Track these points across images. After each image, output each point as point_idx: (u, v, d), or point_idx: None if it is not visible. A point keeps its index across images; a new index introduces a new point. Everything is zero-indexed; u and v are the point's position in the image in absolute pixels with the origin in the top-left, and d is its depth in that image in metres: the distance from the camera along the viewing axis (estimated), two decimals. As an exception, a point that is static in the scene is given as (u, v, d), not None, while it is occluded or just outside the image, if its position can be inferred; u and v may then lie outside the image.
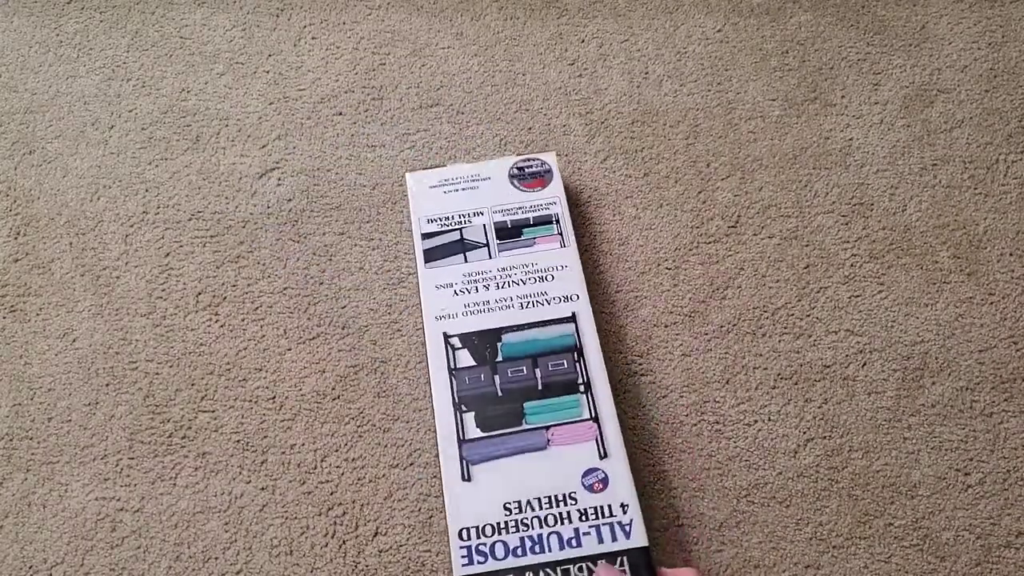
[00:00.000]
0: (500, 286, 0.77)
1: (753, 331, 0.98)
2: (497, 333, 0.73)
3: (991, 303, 1.03)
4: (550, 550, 0.57)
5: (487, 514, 0.64)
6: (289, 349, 0.95)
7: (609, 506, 0.65)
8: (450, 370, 0.73)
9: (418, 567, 0.84)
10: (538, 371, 0.71)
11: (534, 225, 0.82)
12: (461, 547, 0.61)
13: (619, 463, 0.70)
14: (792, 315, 1.01)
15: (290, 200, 1.04)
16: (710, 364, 0.96)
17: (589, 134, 1.11)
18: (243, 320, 0.97)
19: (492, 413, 0.71)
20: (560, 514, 0.61)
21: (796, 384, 0.97)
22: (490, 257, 0.80)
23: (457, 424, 0.71)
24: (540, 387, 0.70)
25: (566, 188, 1.06)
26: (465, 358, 0.74)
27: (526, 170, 0.77)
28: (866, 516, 0.88)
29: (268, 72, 1.13)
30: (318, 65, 1.14)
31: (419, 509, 0.88)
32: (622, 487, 0.69)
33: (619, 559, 0.54)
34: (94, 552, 0.85)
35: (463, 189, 0.87)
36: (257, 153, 1.07)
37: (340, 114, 1.11)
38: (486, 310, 0.76)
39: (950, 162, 1.12)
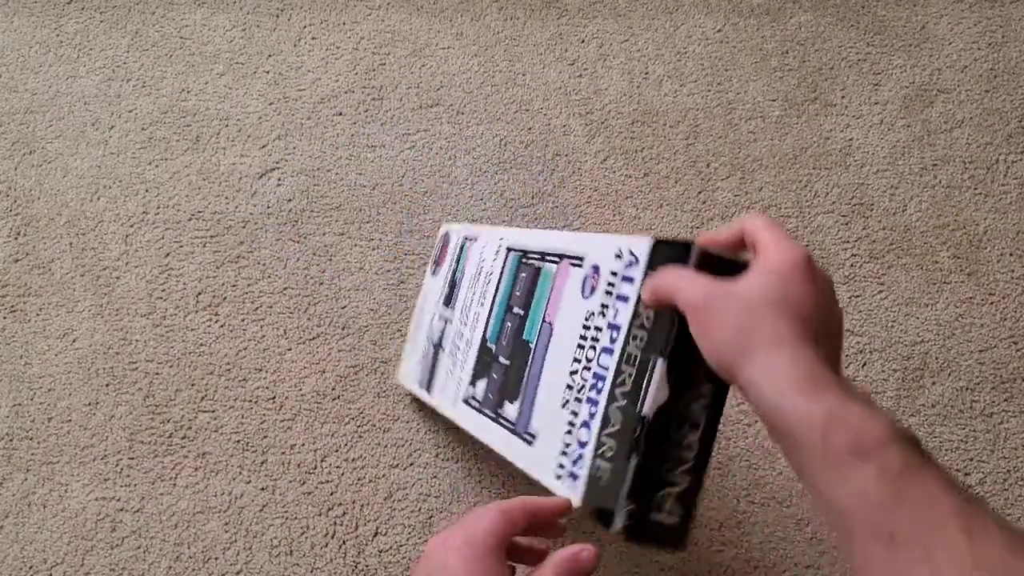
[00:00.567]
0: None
1: (753, 331, 0.98)
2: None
3: (991, 303, 1.02)
4: None
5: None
6: (289, 349, 0.95)
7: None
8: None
9: (418, 567, 0.84)
10: None
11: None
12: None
13: None
14: (792, 315, 1.00)
15: (290, 200, 1.04)
16: (710, 364, 0.96)
17: (589, 134, 1.11)
18: (243, 320, 0.97)
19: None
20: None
21: (796, 384, 0.97)
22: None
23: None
24: None
25: (566, 189, 1.06)
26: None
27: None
28: (866, 516, 0.88)
29: (268, 72, 1.13)
30: (318, 65, 1.14)
31: (419, 509, 0.88)
32: None
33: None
34: (94, 552, 0.85)
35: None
36: (257, 153, 1.07)
37: (340, 114, 1.11)
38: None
39: (950, 162, 1.12)
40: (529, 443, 0.57)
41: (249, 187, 1.05)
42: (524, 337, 0.62)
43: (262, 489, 0.88)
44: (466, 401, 0.72)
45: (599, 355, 0.51)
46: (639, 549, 0.87)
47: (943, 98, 1.16)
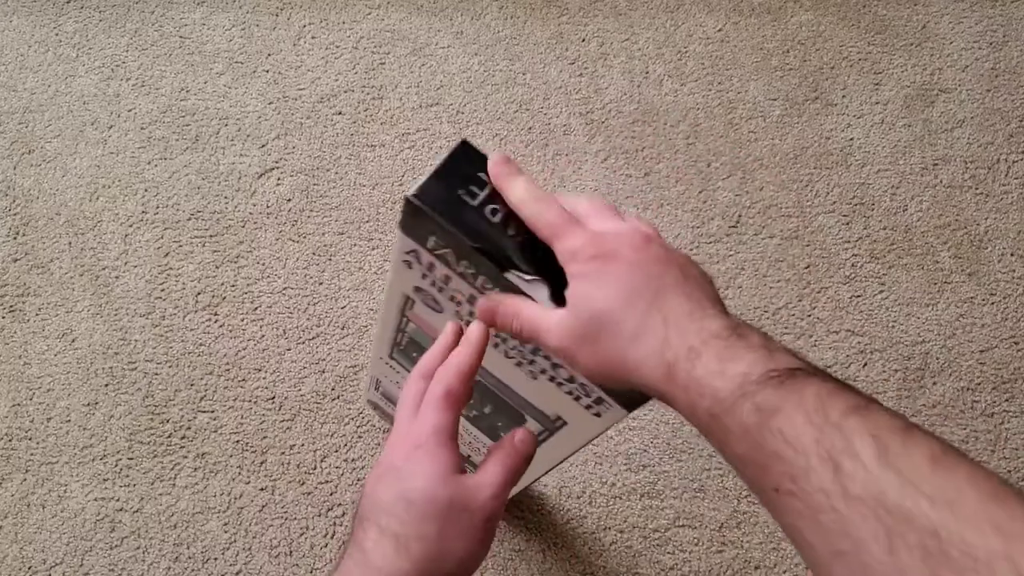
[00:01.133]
0: None
1: (754, 331, 0.98)
2: None
3: (992, 303, 1.02)
4: None
5: None
6: (289, 349, 0.95)
7: None
8: None
9: (418, 568, 0.84)
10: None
11: None
12: None
13: None
14: (793, 315, 1.00)
15: (289, 200, 1.04)
16: (711, 364, 0.96)
17: (590, 134, 1.10)
18: (242, 320, 0.96)
19: None
20: None
21: (797, 384, 0.96)
22: None
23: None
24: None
25: (566, 188, 1.06)
26: None
27: None
28: (867, 517, 0.88)
29: (268, 71, 1.13)
30: (318, 64, 1.14)
31: (419, 510, 0.88)
32: None
33: None
34: (93, 552, 0.85)
35: None
36: (256, 153, 1.07)
37: (340, 113, 1.10)
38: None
39: (951, 162, 1.12)
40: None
41: (248, 186, 1.05)
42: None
43: (261, 489, 0.88)
44: None
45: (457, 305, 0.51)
46: (639, 548, 0.87)
47: (944, 98, 1.16)
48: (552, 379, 0.51)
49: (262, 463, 0.89)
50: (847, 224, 1.06)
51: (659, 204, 1.06)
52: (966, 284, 1.03)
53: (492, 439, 0.67)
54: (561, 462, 0.62)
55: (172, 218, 1.02)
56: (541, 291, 0.44)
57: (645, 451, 0.91)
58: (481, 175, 0.46)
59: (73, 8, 1.17)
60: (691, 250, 1.03)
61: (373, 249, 1.01)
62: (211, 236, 1.01)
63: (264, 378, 0.93)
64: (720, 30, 1.20)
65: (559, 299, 0.43)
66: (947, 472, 0.29)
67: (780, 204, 1.07)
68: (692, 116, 1.12)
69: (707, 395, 0.36)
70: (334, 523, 0.87)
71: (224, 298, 0.97)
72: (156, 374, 0.93)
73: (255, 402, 0.92)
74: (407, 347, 0.68)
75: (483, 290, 0.48)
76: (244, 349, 0.95)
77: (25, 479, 0.88)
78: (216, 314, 0.96)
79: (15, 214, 1.02)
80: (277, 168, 1.06)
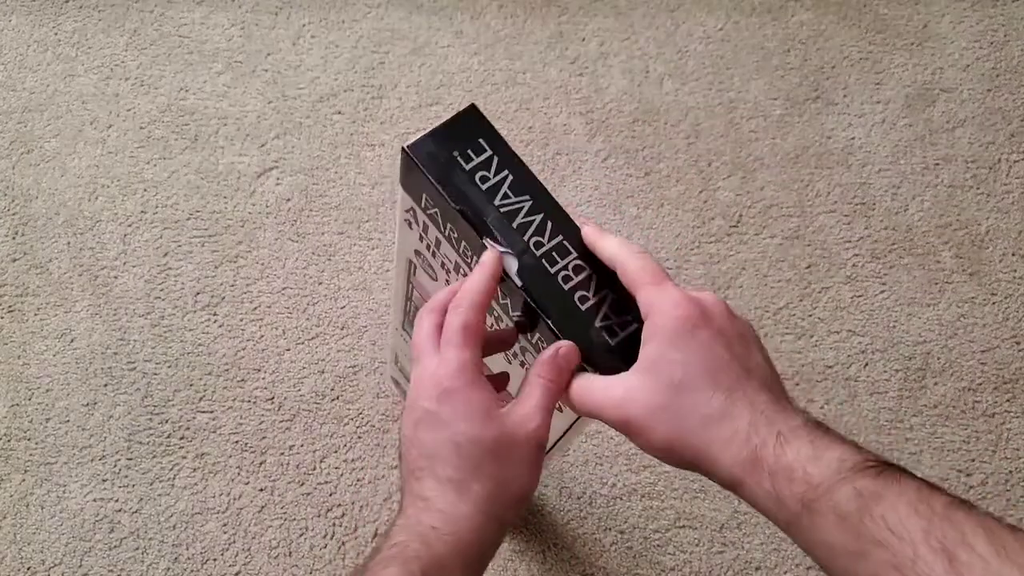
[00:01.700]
0: None
1: (754, 331, 0.98)
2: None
3: (993, 303, 1.02)
4: None
5: None
6: (288, 349, 0.95)
7: None
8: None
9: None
10: None
11: None
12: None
13: None
14: (794, 315, 1.00)
15: (289, 199, 1.04)
16: (711, 364, 0.95)
17: (590, 133, 1.10)
18: (242, 320, 0.96)
19: None
20: None
21: (798, 384, 0.96)
22: None
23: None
24: None
25: (566, 187, 1.05)
26: None
27: None
28: (868, 517, 0.88)
29: (267, 71, 1.13)
30: (317, 64, 1.14)
31: (419, 510, 0.88)
32: None
33: None
34: (92, 553, 0.85)
35: None
36: (256, 152, 1.07)
37: (339, 113, 1.10)
38: None
39: (952, 161, 1.11)
40: None
41: (248, 186, 1.04)
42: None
43: (261, 490, 0.88)
44: None
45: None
46: (640, 549, 0.87)
47: (945, 97, 1.16)
48: (523, 364, 0.51)
49: (261, 463, 0.89)
50: (848, 224, 1.06)
51: (659, 204, 1.06)
52: (967, 284, 1.03)
53: None
54: (554, 446, 0.61)
55: (171, 218, 1.02)
56: (512, 264, 0.44)
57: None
58: (482, 142, 0.46)
59: (72, 7, 1.17)
60: (692, 250, 1.03)
61: (373, 249, 1.01)
62: (210, 236, 1.01)
63: (263, 378, 0.93)
64: (721, 29, 1.19)
65: (540, 316, 0.42)
66: None
67: (781, 204, 1.07)
68: (693, 115, 1.12)
69: (798, 480, 0.35)
70: (333, 524, 0.87)
71: (223, 298, 0.97)
72: (155, 374, 0.93)
73: (254, 402, 0.92)
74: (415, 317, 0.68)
75: (465, 257, 0.47)
76: (243, 349, 0.94)
77: (24, 479, 0.88)
78: (215, 314, 0.96)
79: (14, 214, 1.02)
80: (276, 168, 1.06)
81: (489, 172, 0.45)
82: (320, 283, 0.99)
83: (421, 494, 0.40)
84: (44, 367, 0.93)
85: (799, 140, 1.11)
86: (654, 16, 1.20)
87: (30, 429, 0.90)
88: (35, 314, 0.96)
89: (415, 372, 0.43)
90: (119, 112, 1.09)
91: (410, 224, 0.52)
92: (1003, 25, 1.22)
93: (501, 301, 0.48)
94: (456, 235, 0.46)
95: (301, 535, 0.86)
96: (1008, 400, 0.96)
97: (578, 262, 0.44)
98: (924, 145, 1.12)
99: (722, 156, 1.09)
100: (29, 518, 0.86)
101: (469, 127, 0.46)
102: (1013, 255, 1.05)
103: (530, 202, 0.45)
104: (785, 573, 0.86)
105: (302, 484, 0.88)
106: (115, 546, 0.85)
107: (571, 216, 0.46)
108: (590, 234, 0.44)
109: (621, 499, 0.89)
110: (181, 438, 0.90)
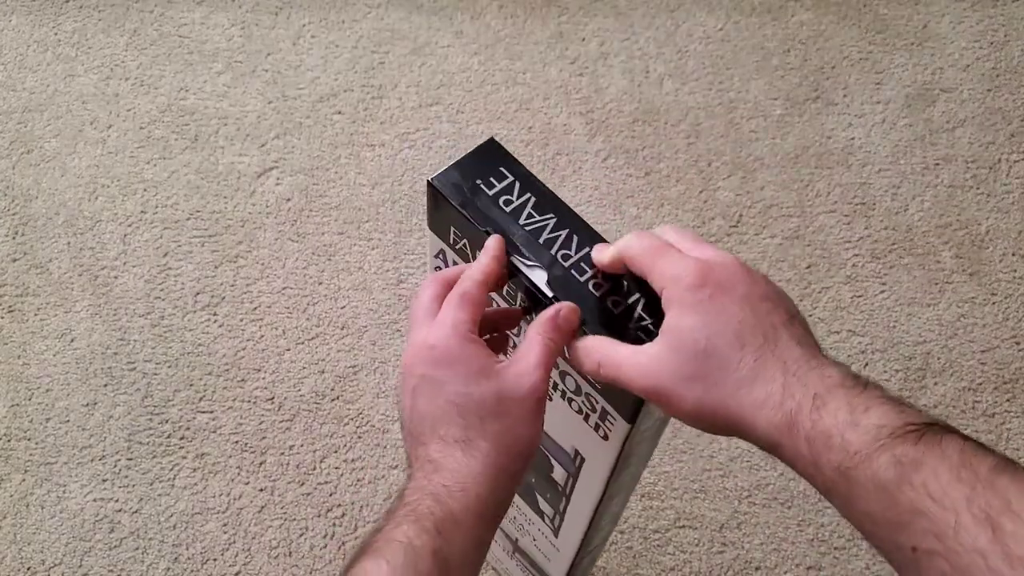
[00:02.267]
0: None
1: (754, 331, 0.98)
2: None
3: (993, 303, 1.02)
4: None
5: None
6: (288, 349, 0.95)
7: None
8: None
9: (418, 569, 0.84)
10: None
11: None
12: None
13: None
14: (794, 315, 1.00)
15: (289, 199, 1.04)
16: (711, 364, 0.95)
17: (590, 133, 1.10)
18: (242, 320, 0.96)
19: None
20: None
21: (798, 384, 0.96)
22: None
23: None
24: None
25: (566, 187, 1.06)
26: None
27: None
28: (868, 517, 0.88)
29: (267, 71, 1.13)
30: (317, 64, 1.14)
31: (419, 510, 0.88)
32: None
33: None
34: (92, 553, 0.85)
35: None
36: (256, 152, 1.07)
37: (339, 113, 1.10)
38: None
39: (952, 161, 1.11)
40: None
41: (248, 186, 1.05)
42: None
43: (261, 490, 0.88)
44: None
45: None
46: (639, 549, 0.87)
47: (945, 97, 1.16)
48: (563, 394, 0.51)
49: (261, 464, 0.89)
50: (848, 224, 1.06)
51: (659, 204, 1.06)
52: (967, 284, 1.03)
53: (529, 504, 0.65)
54: (591, 524, 0.59)
55: (171, 218, 1.02)
56: (540, 276, 0.44)
57: (645, 451, 0.91)
58: (503, 170, 0.47)
59: (72, 7, 1.17)
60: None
61: (373, 249, 1.01)
62: (210, 236, 1.01)
63: (263, 378, 0.93)
64: (721, 29, 1.19)
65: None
66: None
67: (781, 204, 1.07)
68: (693, 115, 1.12)
69: (836, 448, 0.34)
70: (333, 524, 0.87)
71: (223, 298, 0.97)
72: (155, 374, 0.93)
73: (254, 402, 0.92)
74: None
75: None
76: (243, 349, 0.94)
77: (24, 479, 0.88)
78: (215, 314, 0.96)
79: (14, 214, 1.02)
80: (276, 168, 1.06)
81: (512, 196, 0.47)
82: (320, 283, 0.99)
83: (428, 458, 0.40)
84: (44, 367, 0.93)
85: (799, 140, 1.11)
86: (654, 16, 1.20)
87: (30, 429, 0.90)
88: (35, 314, 0.96)
89: (409, 340, 0.43)
90: (119, 112, 1.09)
91: (438, 268, 0.53)
92: (1003, 25, 1.22)
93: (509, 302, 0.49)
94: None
95: (301, 535, 0.86)
96: (1008, 400, 0.96)
97: (633, 290, 0.44)
98: (924, 145, 1.12)
99: (722, 156, 1.09)
100: (29, 518, 0.86)
101: (490, 157, 0.48)
102: (1013, 255, 1.05)
103: (554, 219, 0.46)
104: (785, 573, 0.86)
105: (302, 484, 0.88)
106: (115, 546, 0.85)
107: (598, 233, 0.46)
108: (594, 253, 0.44)
109: (621, 499, 0.89)
110: (181, 438, 0.90)
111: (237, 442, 0.90)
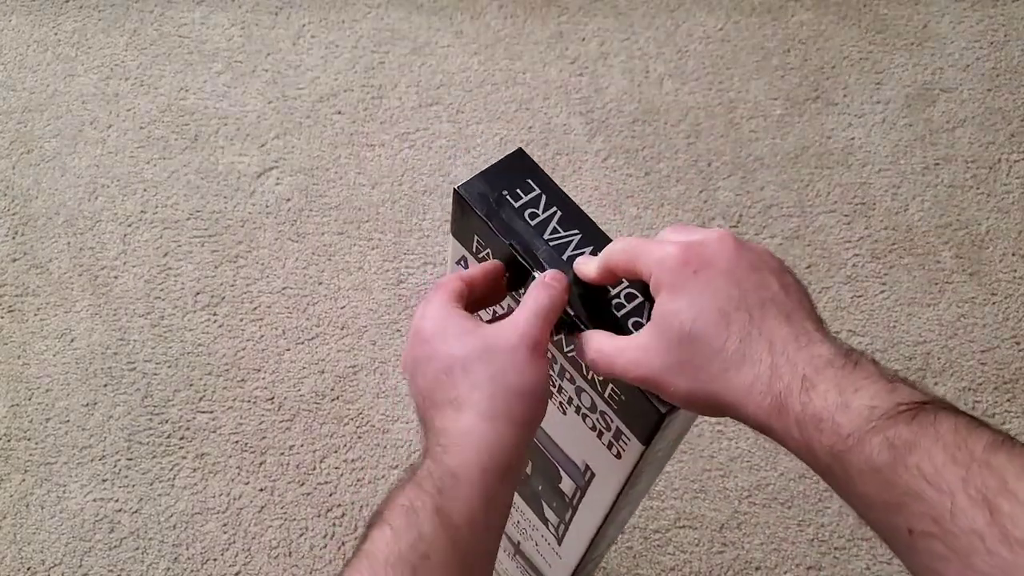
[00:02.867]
0: None
1: (754, 331, 0.98)
2: None
3: (994, 303, 1.02)
4: None
5: None
6: (288, 349, 0.95)
7: None
8: None
9: (418, 569, 0.84)
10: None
11: None
12: None
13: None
14: (794, 315, 1.00)
15: (289, 199, 1.04)
16: (711, 364, 0.95)
17: (590, 133, 1.10)
18: (242, 320, 0.96)
19: None
20: None
21: (798, 384, 0.96)
22: None
23: None
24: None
25: (566, 187, 1.05)
26: None
27: None
28: (868, 517, 0.88)
29: (267, 71, 1.13)
30: (317, 64, 1.14)
31: (419, 510, 0.88)
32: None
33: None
34: (92, 553, 0.85)
35: None
36: (256, 152, 1.07)
37: (339, 113, 1.10)
38: None
39: (952, 161, 1.11)
40: None
41: (248, 186, 1.04)
42: None
43: (261, 490, 0.88)
44: None
45: None
46: (640, 549, 0.87)
47: (945, 97, 1.16)
48: (578, 409, 0.50)
49: (261, 464, 0.89)
50: (848, 224, 1.06)
51: (659, 204, 1.06)
52: (967, 284, 1.03)
53: (535, 511, 0.65)
54: (596, 535, 0.59)
55: (171, 218, 1.02)
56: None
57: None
58: (530, 181, 0.47)
59: (72, 7, 1.17)
60: (692, 250, 1.03)
61: (373, 249, 1.01)
62: (210, 236, 1.01)
63: (263, 378, 0.93)
64: (721, 29, 1.19)
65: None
66: None
67: (781, 204, 1.07)
68: (693, 115, 1.12)
69: (827, 431, 0.33)
70: (333, 524, 0.87)
71: (223, 298, 0.97)
72: (155, 374, 0.93)
73: (254, 402, 0.92)
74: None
75: (516, 299, 0.48)
76: (243, 349, 0.94)
77: (24, 479, 0.88)
78: (215, 314, 0.96)
79: (14, 214, 1.02)
80: (276, 168, 1.06)
81: (538, 209, 0.47)
82: (320, 283, 0.99)
83: (432, 428, 0.40)
84: (44, 367, 0.93)
85: (799, 140, 1.11)
86: (654, 16, 1.20)
87: (30, 429, 0.90)
88: (35, 314, 0.96)
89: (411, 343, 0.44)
90: (119, 112, 1.09)
91: None
92: (1003, 25, 1.22)
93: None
94: (508, 277, 0.47)
95: (301, 535, 0.86)
96: (1008, 400, 0.96)
97: (630, 290, 0.44)
98: (924, 145, 1.12)
99: (722, 156, 1.09)
100: (29, 518, 0.86)
101: (517, 168, 0.48)
102: (1013, 255, 1.05)
103: (579, 236, 0.46)
104: (785, 573, 0.86)
105: (302, 484, 0.88)
106: (115, 546, 0.85)
107: None
108: (579, 266, 0.44)
109: (621, 499, 0.89)
110: (181, 438, 0.90)
111: (237, 442, 0.90)
